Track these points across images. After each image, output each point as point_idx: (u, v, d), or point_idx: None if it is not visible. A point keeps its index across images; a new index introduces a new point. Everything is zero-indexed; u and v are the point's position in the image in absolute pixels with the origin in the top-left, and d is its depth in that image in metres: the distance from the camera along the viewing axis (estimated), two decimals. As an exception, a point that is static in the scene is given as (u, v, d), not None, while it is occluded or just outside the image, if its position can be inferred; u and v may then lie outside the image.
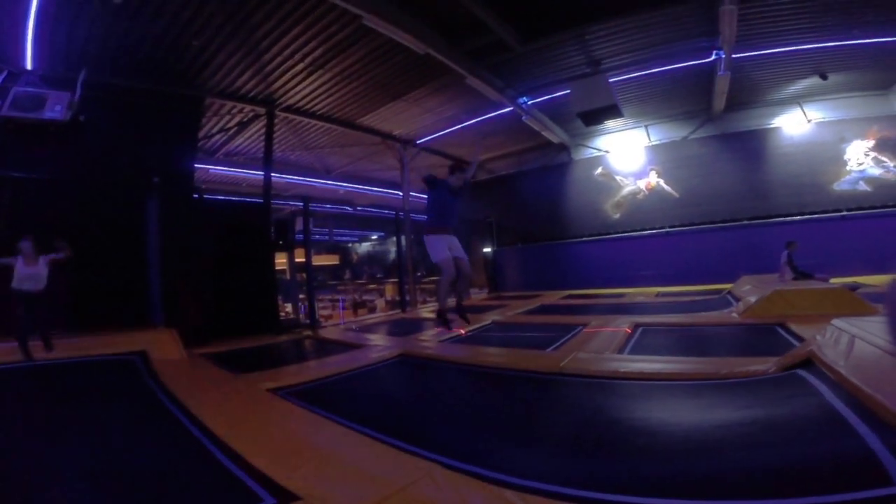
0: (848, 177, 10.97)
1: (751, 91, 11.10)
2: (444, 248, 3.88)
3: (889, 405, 2.17)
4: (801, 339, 4.64)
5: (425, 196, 4.52)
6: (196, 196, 7.93)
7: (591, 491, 2.03)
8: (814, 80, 10.29)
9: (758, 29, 8.04)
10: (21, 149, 6.27)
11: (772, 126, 11.85)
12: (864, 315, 4.67)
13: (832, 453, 2.09)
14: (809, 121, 11.43)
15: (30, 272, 4.25)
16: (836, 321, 3.83)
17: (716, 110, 11.67)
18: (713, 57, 8.63)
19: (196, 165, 9.00)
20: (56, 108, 6.33)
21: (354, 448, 2.78)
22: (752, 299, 6.78)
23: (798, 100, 11.43)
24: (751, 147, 11.96)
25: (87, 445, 2.94)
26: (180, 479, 2.49)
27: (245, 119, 10.12)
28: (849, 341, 3.29)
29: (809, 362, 3.39)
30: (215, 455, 2.73)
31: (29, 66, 6.58)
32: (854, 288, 7.18)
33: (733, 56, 8.40)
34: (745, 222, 11.81)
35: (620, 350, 5.16)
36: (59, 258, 4.70)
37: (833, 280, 7.57)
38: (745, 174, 12.00)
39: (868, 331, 3.33)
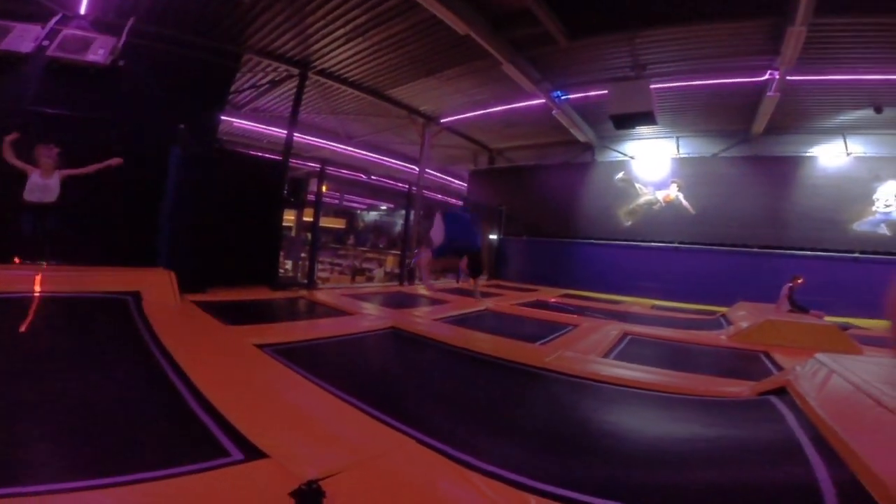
0: (871, 218, 10.69)
1: (796, 115, 10.72)
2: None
3: (846, 438, 2.21)
4: (781, 368, 4.72)
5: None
6: (217, 146, 8.03)
7: (553, 486, 2.08)
8: (866, 113, 9.95)
9: (822, 53, 7.74)
10: (59, 88, 6.54)
11: (808, 154, 11.54)
12: (850, 353, 4.76)
13: (780, 478, 2.17)
14: (849, 154, 11.08)
15: (41, 183, 4.01)
16: (819, 355, 3.84)
17: (754, 131, 11.38)
18: (766, 76, 8.39)
19: (222, 118, 9.12)
20: (99, 52, 6.58)
21: (331, 412, 2.84)
22: (744, 325, 6.86)
23: (843, 130, 11.04)
24: (781, 173, 11.66)
25: (63, 379, 2.93)
26: (150, 424, 2.49)
27: (278, 78, 10.17)
28: (826, 375, 3.35)
29: (784, 391, 3.45)
30: (189, 404, 2.73)
31: (83, 10, 6.82)
32: (846, 328, 7.22)
33: (788, 78, 8.16)
34: (756, 250, 11.66)
35: (606, 354, 5.24)
36: (77, 173, 4.50)
37: (828, 318, 7.59)
38: (767, 200, 11.74)
39: (848, 368, 3.38)
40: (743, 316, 7.71)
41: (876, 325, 9.09)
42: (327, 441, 2.37)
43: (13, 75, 6.38)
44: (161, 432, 2.42)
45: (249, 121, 13.08)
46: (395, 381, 4.12)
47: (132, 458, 2.04)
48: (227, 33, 7.99)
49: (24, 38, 6.32)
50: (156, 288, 5.63)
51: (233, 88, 9.59)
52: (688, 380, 4.20)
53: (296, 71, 9.61)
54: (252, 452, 2.15)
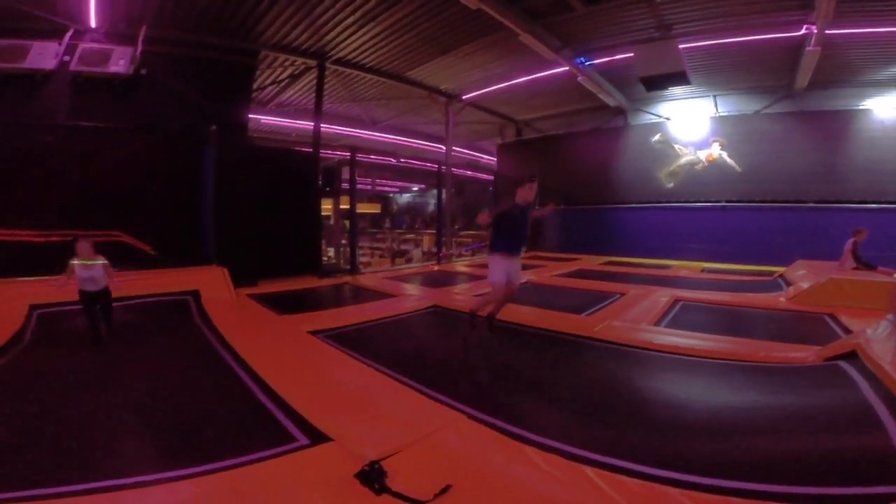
0: (939, 167, 9.81)
1: (842, 69, 9.91)
2: (503, 272, 3.76)
3: None
4: (849, 331, 4.42)
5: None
6: (249, 144, 8.22)
7: (608, 456, 2.08)
8: None
9: (860, 5, 7.08)
10: (89, 100, 6.72)
11: (860, 108, 10.69)
12: None
13: (856, 447, 2.06)
14: None
15: (88, 275, 4.10)
16: (892, 316, 3.61)
17: (798, 87, 10.59)
18: (803, 31, 7.74)
19: (249, 115, 9.27)
20: (120, 63, 6.73)
21: (385, 393, 2.94)
22: (805, 285, 6.46)
23: None
24: (831, 128, 10.89)
25: (138, 378, 3.20)
26: (219, 414, 2.65)
27: (297, 72, 10.26)
28: (901, 337, 3.14)
29: (854, 355, 3.24)
30: (255, 394, 2.90)
31: (93, 23, 6.88)
32: (921, 285, 6.69)
33: (827, 32, 7.51)
34: (812, 205, 10.94)
35: (657, 322, 5.11)
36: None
37: (900, 275, 7.04)
38: (819, 155, 11.00)
39: None
40: (803, 276, 7.26)
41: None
42: (384, 421, 2.46)
43: (43, 92, 6.55)
44: (231, 421, 2.58)
45: (276, 116, 13.33)
46: (442, 358, 4.16)
47: (208, 449, 2.17)
48: (239, 31, 8.03)
49: (45, 55, 6.42)
50: (212, 285, 6.00)
51: (255, 86, 9.73)
52: (746, 346, 4.02)
53: (313, 63, 9.66)
54: (316, 436, 2.28)
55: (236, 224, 7.05)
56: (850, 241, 7.46)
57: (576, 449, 2.16)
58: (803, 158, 11.19)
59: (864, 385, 2.76)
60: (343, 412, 2.56)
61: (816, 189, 10.98)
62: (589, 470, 1.93)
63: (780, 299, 6.39)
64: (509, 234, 4.08)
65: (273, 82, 10.93)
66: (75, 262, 3.96)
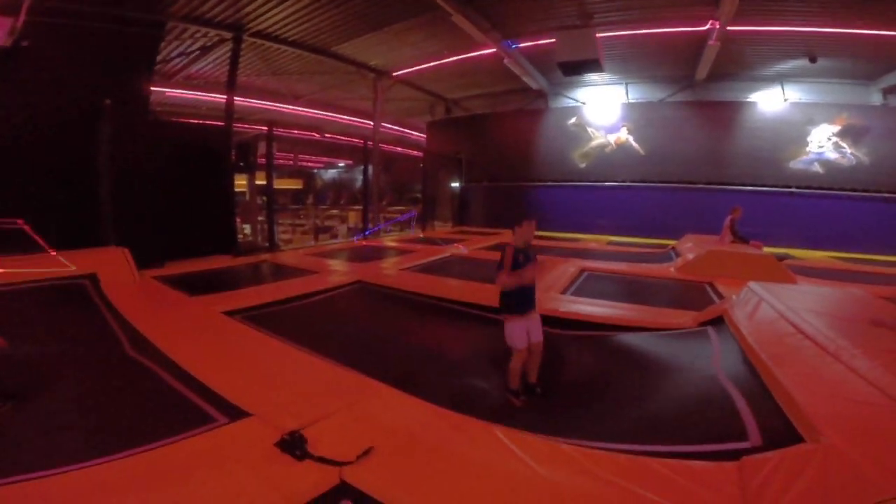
0: (805, 157, 11.52)
1: (737, 63, 11.13)
2: (524, 333, 3.16)
3: (769, 364, 2.47)
4: (722, 297, 5.05)
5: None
6: (151, 118, 7.54)
7: (500, 420, 2.29)
8: (801, 62, 10.40)
9: (759, 5, 7.95)
10: None
11: (748, 100, 12.14)
12: (785, 283, 5.13)
13: (707, 408, 2.39)
14: (786, 100, 11.74)
15: None
16: (752, 284, 4.16)
17: (698, 78, 11.74)
18: (708, 26, 8.59)
19: (152, 89, 8.34)
20: None
21: (306, 369, 2.96)
22: (690, 256, 7.31)
23: (781, 78, 11.62)
24: (723, 117, 12.30)
25: (37, 374, 2.91)
26: (131, 401, 2.55)
27: (209, 44, 9.39)
28: (756, 303, 3.69)
29: (721, 320, 3.72)
30: (167, 378, 2.79)
31: None
32: (782, 258, 7.83)
33: (728, 28, 8.38)
34: (701, 186, 12.36)
35: (564, 291, 5.53)
36: None
37: (766, 249, 8.15)
38: (710, 142, 12.41)
39: (777, 296, 3.67)
40: (689, 248, 8.17)
41: (810, 255, 10.02)
42: (305, 395, 2.50)
43: None
44: (144, 407, 2.48)
45: (184, 89, 12.21)
46: (364, 333, 4.24)
47: (122, 436, 2.08)
48: (143, 1, 7.20)
49: None
50: (111, 267, 5.45)
51: (160, 58, 8.79)
52: (640, 311, 4.51)
53: (228, 35, 8.89)
54: (235, 413, 2.28)
55: (137, 203, 6.48)
56: (728, 218, 8.52)
57: (485, 413, 2.35)
58: (697, 144, 12.54)
59: (724, 347, 3.18)
60: (262, 389, 2.56)
61: (707, 172, 12.39)
62: (498, 430, 2.10)
63: (671, 269, 7.10)
64: (520, 294, 3.32)
65: (180, 54, 9.97)
66: None
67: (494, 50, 10.18)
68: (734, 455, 1.81)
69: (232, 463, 1.84)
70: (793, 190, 11.55)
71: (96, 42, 6.80)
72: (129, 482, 1.72)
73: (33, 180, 6.05)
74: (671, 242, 10.12)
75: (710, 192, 12.20)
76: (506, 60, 10.84)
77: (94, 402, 2.57)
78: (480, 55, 10.68)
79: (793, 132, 11.58)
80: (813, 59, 10.07)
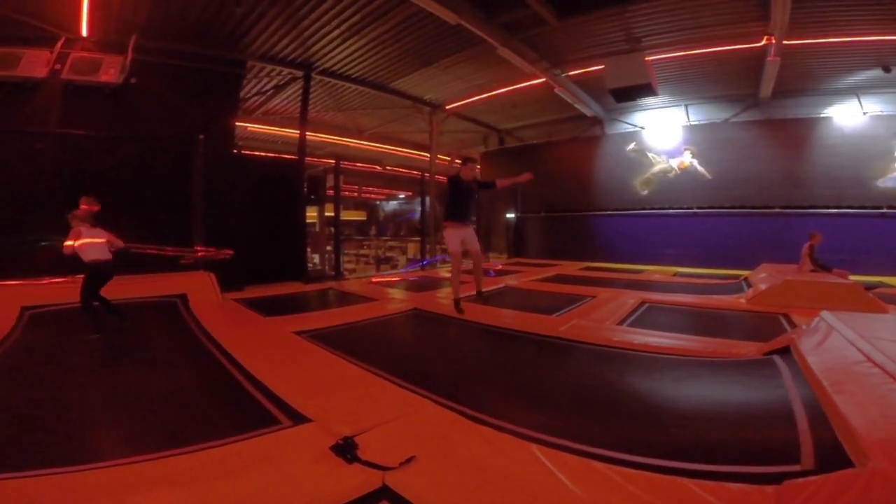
0: (894, 174, 10.40)
1: (803, 78, 10.48)
2: (457, 240, 4.08)
3: (831, 393, 2.33)
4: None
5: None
6: (235, 152, 8.45)
7: (551, 436, 2.35)
8: (875, 72, 9.66)
9: (814, 16, 7.59)
10: (81, 109, 6.86)
11: (822, 115, 11.28)
12: (873, 313, 4.74)
13: (765, 434, 2.34)
14: (865, 113, 10.79)
15: (94, 243, 4.17)
16: (824, 313, 3.90)
17: (762, 95, 11.15)
18: (763, 42, 8.28)
19: (236, 124, 9.45)
20: (110, 71, 6.88)
21: (363, 383, 3.23)
22: (763, 287, 6.86)
23: (856, 90, 10.74)
24: (795, 135, 11.46)
25: (134, 374, 3.51)
26: (210, 402, 2.96)
27: (282, 82, 10.48)
28: (825, 332, 3.46)
29: (787, 350, 3.54)
30: (242, 384, 3.20)
31: (84, 32, 7.01)
32: (872, 287, 7.13)
33: (785, 42, 8.03)
34: (778, 210, 11.52)
35: (621, 322, 5.40)
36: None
37: (854, 277, 7.46)
38: (784, 162, 11.57)
39: (852, 325, 3.41)
40: (763, 278, 7.68)
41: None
42: (359, 406, 2.74)
43: (35, 100, 6.67)
44: (220, 408, 2.87)
45: (262, 124, 13.54)
46: (416, 354, 4.50)
47: (199, 431, 2.42)
48: (227, 42, 8.27)
49: (36, 63, 6.57)
50: (199, 289, 6.25)
51: (242, 95, 9.93)
52: (698, 342, 4.33)
53: (299, 73, 9.93)
54: (298, 418, 2.57)
55: (223, 231, 7.25)
56: (807, 244, 7.93)
57: (527, 430, 2.42)
58: (769, 165, 11.74)
59: (787, 376, 3.05)
60: (323, 398, 2.83)
61: (782, 195, 11.54)
62: (535, 447, 2.18)
63: (741, 300, 6.74)
64: (455, 203, 4.64)
65: (258, 93, 11.16)
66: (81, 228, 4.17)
67: (543, 80, 10.39)
68: (780, 478, 1.77)
69: (290, 461, 2.07)
70: (884, 211, 10.42)
71: (190, 80, 7.84)
72: (200, 472, 2.00)
73: (141, 207, 6.90)
74: (745, 273, 9.51)
75: (786, 216, 11.34)
76: (556, 89, 10.99)
77: (186, 398, 3.02)
78: (529, 85, 10.93)
79: (877, 147, 10.54)
80: (887, 69, 9.32)
